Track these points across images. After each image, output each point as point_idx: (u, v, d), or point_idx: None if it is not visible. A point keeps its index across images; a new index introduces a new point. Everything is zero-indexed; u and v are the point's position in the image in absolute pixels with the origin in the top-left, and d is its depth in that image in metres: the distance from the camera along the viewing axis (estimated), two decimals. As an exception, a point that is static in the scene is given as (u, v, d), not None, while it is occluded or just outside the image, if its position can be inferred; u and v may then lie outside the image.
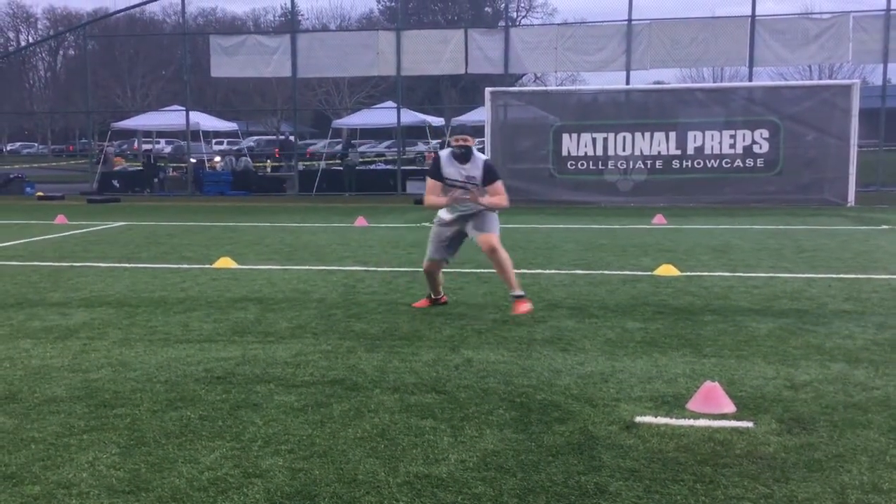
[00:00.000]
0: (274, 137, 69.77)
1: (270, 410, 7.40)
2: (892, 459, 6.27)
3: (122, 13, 59.71)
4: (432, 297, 12.32)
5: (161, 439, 6.73)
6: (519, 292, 11.53)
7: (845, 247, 18.30)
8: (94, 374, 8.67)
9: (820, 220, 24.69)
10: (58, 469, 6.16)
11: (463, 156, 11.43)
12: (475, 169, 11.43)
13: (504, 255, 11.58)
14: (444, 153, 11.71)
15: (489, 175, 11.45)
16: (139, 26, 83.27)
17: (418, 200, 32.31)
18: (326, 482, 5.88)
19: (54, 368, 8.93)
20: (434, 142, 49.64)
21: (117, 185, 40.52)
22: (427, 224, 24.10)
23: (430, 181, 11.70)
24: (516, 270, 14.13)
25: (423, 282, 12.47)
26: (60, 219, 26.14)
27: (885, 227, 22.55)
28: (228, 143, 66.14)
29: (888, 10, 33.59)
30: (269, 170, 52.97)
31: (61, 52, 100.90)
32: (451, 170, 11.51)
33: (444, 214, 11.81)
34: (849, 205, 29.25)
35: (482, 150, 30.40)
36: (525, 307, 11.43)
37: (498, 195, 11.50)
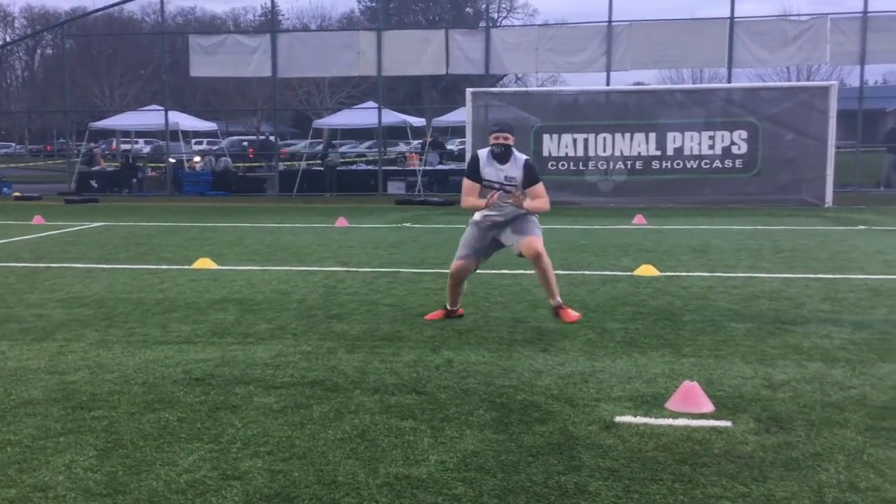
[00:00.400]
0: (252, 138, 69.55)
1: (250, 412, 7.39)
2: (868, 458, 6.30)
3: (101, 12, 59.28)
4: (448, 308, 11.51)
5: (139, 441, 6.71)
6: (560, 301, 11.14)
7: (823, 247, 18.36)
8: (71, 376, 8.63)
9: (798, 220, 24.76)
10: (34, 472, 6.13)
11: (502, 155, 10.80)
12: (515, 169, 10.82)
13: (549, 261, 10.99)
14: (483, 152, 11.02)
15: (530, 176, 10.84)
16: (117, 25, 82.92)
17: (399, 201, 32.40)
18: (306, 484, 5.87)
19: (31, 370, 8.89)
20: (415, 142, 49.59)
21: (95, 185, 40.33)
22: (407, 224, 24.18)
23: (466, 182, 11.01)
24: (497, 271, 14.18)
25: (405, 282, 12.46)
26: (38, 219, 26.02)
27: (861, 227, 22.62)
28: (208, 143, 65.93)
29: (865, 12, 33.68)
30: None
31: (39, 52, 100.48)
32: (489, 170, 10.87)
33: (479, 217, 11.19)
34: (826, 205, 29.33)
35: (463, 150, 30.47)
36: (575, 315, 11.09)
37: (540, 198, 10.87)
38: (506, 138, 10.73)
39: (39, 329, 10.87)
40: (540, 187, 10.86)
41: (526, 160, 10.89)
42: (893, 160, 35.68)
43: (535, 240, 10.86)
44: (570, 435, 6.78)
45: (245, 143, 63.29)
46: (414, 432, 6.86)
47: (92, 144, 45.34)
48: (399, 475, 6.01)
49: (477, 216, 11.15)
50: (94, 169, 42.64)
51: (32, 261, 17.15)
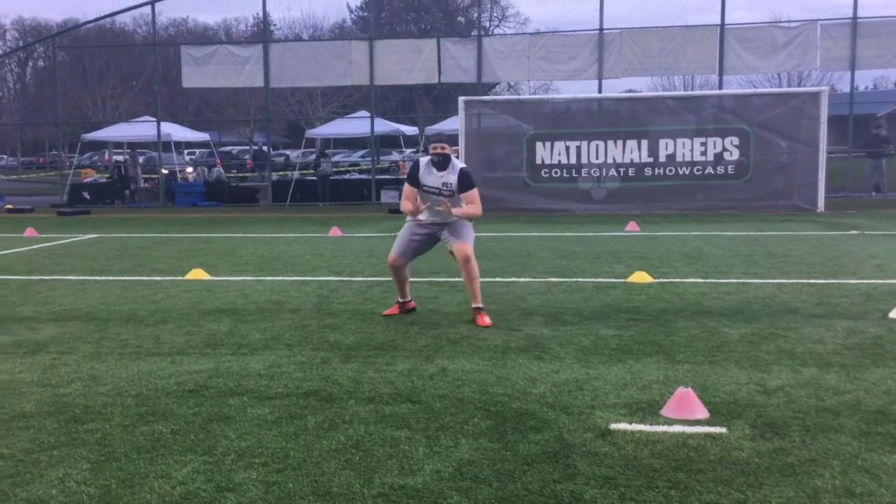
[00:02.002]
0: (244, 148, 69.45)
1: (244, 423, 7.36)
2: (863, 463, 6.29)
3: (92, 24, 59.26)
4: (400, 301, 12.40)
5: (132, 454, 6.68)
6: (480, 304, 11.70)
7: (815, 252, 18.37)
8: (64, 389, 8.59)
9: (790, 225, 24.78)
10: (27, 486, 6.10)
11: (440, 163, 11.57)
12: (452, 176, 11.56)
13: (476, 266, 11.69)
14: (423, 160, 11.81)
15: (465, 183, 11.58)
16: (109, 37, 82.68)
17: (392, 210, 32.36)
18: (301, 495, 5.85)
19: (23, 383, 8.85)
20: (408, 151, 49.64)
21: (88, 196, 40.28)
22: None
23: (407, 187, 11.78)
24: (492, 279, 14.20)
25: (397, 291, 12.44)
26: (30, 231, 25.99)
27: (853, 231, 22.65)
28: (200, 153, 65.86)
29: (855, 17, 33.73)
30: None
31: (30, 64, 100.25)
32: (429, 177, 11.65)
33: (422, 217, 11.87)
34: (818, 210, 29.36)
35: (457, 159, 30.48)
36: (488, 319, 11.56)
37: (472, 204, 11.61)
38: (443, 148, 11.60)
39: (32, 342, 10.83)
40: (473, 193, 11.65)
41: (462, 168, 11.72)
42: (874, 164, 35.80)
43: (466, 245, 11.66)
44: (566, 443, 6.77)
45: (255, 147, 63.13)
46: (409, 442, 6.83)
47: (116, 152, 45.06)
48: (394, 485, 5.98)
49: (421, 216, 11.88)
50: (85, 181, 42.44)
51: (25, 273, 17.12)
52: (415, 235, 12.01)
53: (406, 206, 11.73)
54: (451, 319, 11.80)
